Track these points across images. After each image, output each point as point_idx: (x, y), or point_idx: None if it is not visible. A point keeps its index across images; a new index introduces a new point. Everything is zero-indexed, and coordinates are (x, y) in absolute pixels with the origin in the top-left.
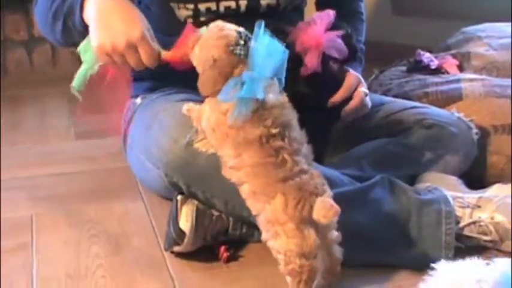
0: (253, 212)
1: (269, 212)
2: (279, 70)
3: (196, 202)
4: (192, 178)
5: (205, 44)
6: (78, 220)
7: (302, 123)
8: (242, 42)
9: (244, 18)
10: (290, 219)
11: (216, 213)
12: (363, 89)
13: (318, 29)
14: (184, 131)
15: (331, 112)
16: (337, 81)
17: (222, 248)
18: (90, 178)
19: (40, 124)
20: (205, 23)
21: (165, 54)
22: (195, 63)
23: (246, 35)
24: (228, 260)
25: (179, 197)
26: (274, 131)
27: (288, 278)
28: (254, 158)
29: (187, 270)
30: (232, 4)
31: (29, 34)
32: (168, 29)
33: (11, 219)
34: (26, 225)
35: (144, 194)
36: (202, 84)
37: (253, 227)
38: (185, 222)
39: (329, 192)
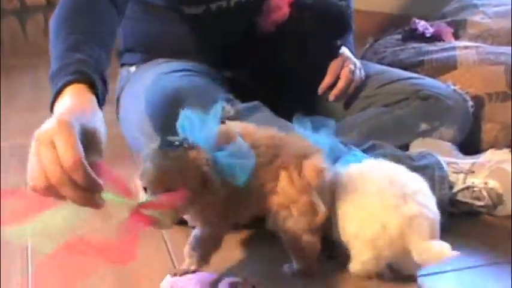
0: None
1: (280, 193)
2: None
3: None
4: None
5: None
6: None
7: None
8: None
9: (254, 10)
10: (300, 192)
11: None
12: (350, 66)
13: None
14: (173, 105)
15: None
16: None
17: None
18: None
19: (35, 93)
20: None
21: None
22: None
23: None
24: None
25: None
26: None
27: (293, 255)
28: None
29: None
30: None
31: (21, 3)
32: (174, 26)
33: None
34: None
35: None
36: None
37: None
38: None
39: (321, 152)
